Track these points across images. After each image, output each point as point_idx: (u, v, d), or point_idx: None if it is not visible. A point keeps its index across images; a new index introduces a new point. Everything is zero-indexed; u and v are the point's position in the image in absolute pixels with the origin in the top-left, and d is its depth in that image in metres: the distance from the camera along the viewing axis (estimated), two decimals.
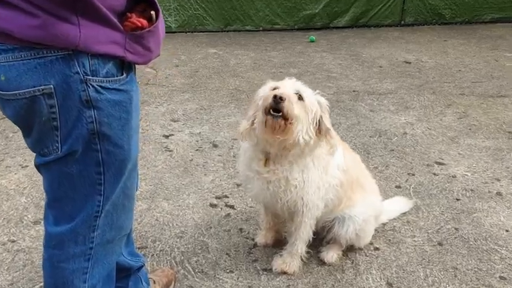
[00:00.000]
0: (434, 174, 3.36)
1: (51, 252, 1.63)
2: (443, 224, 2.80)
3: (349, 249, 2.56)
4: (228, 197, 3.10)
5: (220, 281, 2.38)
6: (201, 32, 7.88)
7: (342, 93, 4.94)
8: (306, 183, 2.21)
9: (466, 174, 3.35)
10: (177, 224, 2.83)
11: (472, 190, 3.15)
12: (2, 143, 3.80)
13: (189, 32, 7.87)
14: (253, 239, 2.69)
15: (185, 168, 3.48)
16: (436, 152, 3.68)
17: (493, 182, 3.25)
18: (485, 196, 3.08)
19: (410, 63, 6.08)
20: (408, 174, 3.36)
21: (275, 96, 2.00)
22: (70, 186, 1.52)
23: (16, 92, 1.35)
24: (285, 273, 2.42)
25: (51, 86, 1.35)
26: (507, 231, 2.73)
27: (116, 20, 1.37)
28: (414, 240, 2.66)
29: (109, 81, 1.41)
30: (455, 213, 2.90)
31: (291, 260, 2.43)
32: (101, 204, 1.56)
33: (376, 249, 2.60)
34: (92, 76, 1.37)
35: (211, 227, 2.80)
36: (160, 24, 1.50)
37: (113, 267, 1.74)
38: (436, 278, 2.38)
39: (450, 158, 3.58)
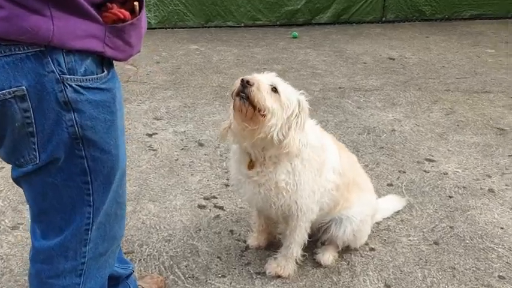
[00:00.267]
0: (425, 171, 3.31)
1: (39, 267, 1.48)
2: (438, 223, 2.74)
3: (345, 250, 2.48)
4: (216, 198, 3.00)
5: (212, 286, 2.28)
6: (181, 28, 7.73)
7: (328, 90, 4.87)
8: (298, 186, 2.12)
9: (457, 171, 3.31)
10: (164, 227, 2.71)
11: (464, 187, 3.11)
12: None
13: (169, 28, 7.71)
14: (244, 241, 2.59)
15: (170, 168, 3.36)
16: (426, 148, 3.64)
17: (484, 179, 3.22)
18: (477, 193, 3.05)
19: (394, 59, 6.05)
20: (399, 171, 3.30)
21: (242, 80, 1.93)
22: (56, 197, 1.38)
23: None
24: (279, 276, 2.33)
25: (23, 87, 1.19)
26: (502, 228, 2.70)
27: (94, 11, 1.22)
28: (410, 240, 2.60)
29: (89, 79, 1.26)
30: (449, 211, 2.86)
31: (285, 263, 2.34)
32: (91, 215, 1.43)
33: (372, 249, 2.53)
34: (69, 75, 1.23)
35: (200, 230, 2.69)
36: (143, 17, 1.37)
37: (105, 281, 1.62)
38: (435, 279, 2.32)
39: (440, 155, 3.54)
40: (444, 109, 4.41)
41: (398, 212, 2.81)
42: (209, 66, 5.76)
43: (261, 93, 1.93)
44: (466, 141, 3.76)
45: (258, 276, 2.34)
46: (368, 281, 2.31)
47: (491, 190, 3.08)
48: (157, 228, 2.70)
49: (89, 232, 1.44)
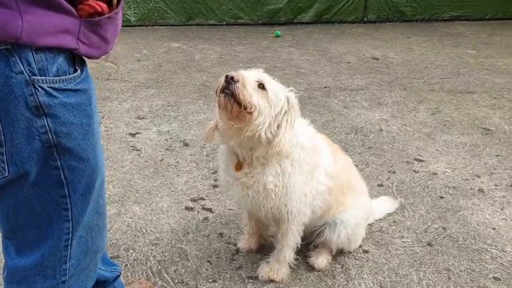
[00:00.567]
0: (415, 171, 3.28)
1: None
2: (431, 223, 2.71)
3: (338, 253, 2.42)
4: (204, 200, 2.90)
5: None
6: (162, 25, 7.59)
7: (314, 90, 4.82)
8: (288, 188, 2.04)
9: (446, 171, 3.29)
10: (151, 230, 2.61)
11: (454, 187, 3.09)
12: None
13: (149, 25, 7.57)
14: (235, 245, 2.50)
15: (155, 168, 3.25)
16: (414, 148, 3.62)
17: (473, 179, 3.20)
18: (468, 193, 3.03)
19: (377, 59, 6.04)
20: (389, 172, 3.27)
21: (227, 76, 1.85)
22: (30, 213, 1.24)
23: None
24: (272, 281, 2.25)
25: None
26: (494, 229, 2.68)
27: (67, 3, 1.09)
28: (403, 241, 2.56)
29: (62, 80, 1.14)
30: (440, 211, 2.83)
31: (278, 267, 2.26)
32: (70, 230, 1.29)
33: (366, 251, 2.48)
34: (40, 76, 1.10)
35: (188, 233, 2.60)
36: (121, 11, 1.26)
37: None
38: (430, 281, 2.27)
39: (428, 155, 3.52)
40: (430, 109, 4.40)
41: (390, 213, 2.77)
42: (192, 64, 5.65)
43: (247, 89, 1.84)
44: (453, 141, 3.75)
45: (251, 281, 2.26)
46: (363, 284, 2.25)
47: (481, 190, 3.07)
48: (144, 231, 2.60)
49: (69, 248, 1.31)
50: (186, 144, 3.61)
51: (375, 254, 2.46)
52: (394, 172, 3.26)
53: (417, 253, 2.47)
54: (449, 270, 2.35)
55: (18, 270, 1.32)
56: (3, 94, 1.08)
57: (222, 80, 1.87)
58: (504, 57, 6.19)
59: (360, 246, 2.47)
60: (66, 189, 1.24)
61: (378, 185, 3.09)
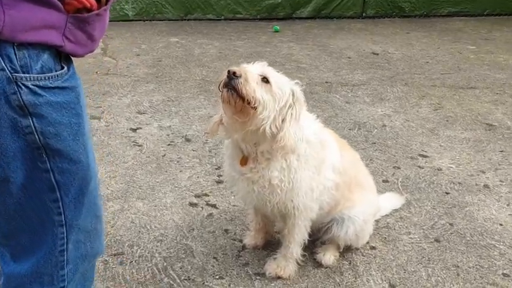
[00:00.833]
0: (420, 167, 3.26)
1: None
2: (437, 219, 2.69)
3: (345, 250, 2.39)
4: (208, 196, 2.87)
5: None
6: (159, 20, 7.53)
7: (315, 85, 4.79)
8: (294, 184, 2.01)
9: (450, 167, 3.27)
10: (155, 226, 2.57)
11: (459, 183, 3.07)
12: None
13: (147, 20, 7.50)
14: (240, 241, 2.47)
15: (158, 164, 3.21)
16: (418, 144, 3.59)
17: (478, 175, 3.18)
18: (473, 189, 3.01)
19: (378, 54, 6.01)
20: (394, 167, 3.24)
21: (229, 72, 1.81)
22: (22, 219, 1.18)
23: None
24: (279, 277, 2.22)
25: None
26: (501, 225, 2.66)
27: None
28: (410, 238, 2.53)
29: (47, 78, 1.07)
30: (447, 207, 2.80)
31: (285, 263, 2.23)
32: (65, 235, 1.23)
33: (373, 248, 2.45)
34: (23, 73, 1.03)
35: (193, 229, 2.56)
36: (109, 9, 1.19)
37: None
38: (439, 278, 2.25)
39: (433, 150, 3.50)
40: (432, 104, 4.38)
41: (396, 209, 2.74)
42: (191, 59, 5.60)
43: (250, 84, 1.81)
44: (456, 137, 3.73)
45: (258, 278, 2.23)
46: (372, 281, 2.23)
47: (486, 186, 3.05)
48: (148, 227, 2.56)
49: (65, 253, 1.26)
50: (188, 140, 3.57)
51: (383, 251, 2.43)
52: (398, 168, 3.24)
53: (425, 249, 2.44)
54: (458, 266, 2.33)
55: (15, 277, 1.26)
56: None
57: (224, 75, 1.84)
58: (504, 53, 6.18)
59: (367, 242, 2.45)
60: (57, 193, 1.18)
61: (383, 181, 3.07)
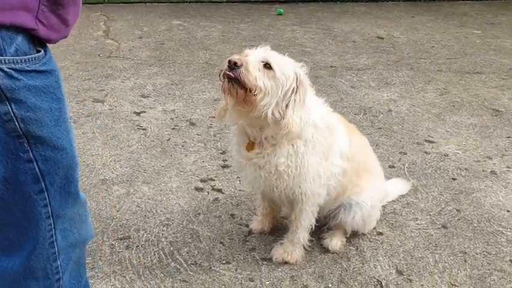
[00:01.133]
0: (426, 152, 3.24)
1: None
2: (444, 206, 2.68)
3: (352, 235, 2.38)
4: (214, 180, 2.85)
5: (217, 273, 2.15)
6: (161, 2, 7.42)
7: (320, 69, 4.74)
8: (301, 169, 1.99)
9: (457, 153, 3.25)
10: (161, 211, 2.56)
11: (466, 169, 3.05)
12: None
13: (148, 2, 7.39)
14: (247, 226, 2.47)
15: (163, 148, 3.19)
16: (424, 129, 3.57)
17: (485, 161, 3.16)
18: (480, 175, 2.99)
19: (383, 38, 5.95)
20: (400, 153, 3.22)
21: (229, 61, 1.79)
22: (6, 213, 1.14)
23: None
24: (286, 263, 2.22)
25: None
26: (508, 211, 2.64)
27: None
28: (417, 224, 2.52)
29: (24, 61, 1.02)
30: (453, 193, 2.79)
31: (292, 248, 2.23)
32: (53, 227, 1.19)
33: (380, 234, 2.44)
34: None
35: (199, 213, 2.55)
36: None
37: (86, 280, 1.44)
38: (447, 264, 2.25)
39: (439, 136, 3.47)
40: (438, 89, 4.34)
41: (403, 194, 2.73)
42: (194, 42, 5.54)
43: (250, 72, 1.79)
44: (463, 122, 3.70)
45: (265, 263, 2.23)
46: (379, 266, 2.23)
47: (493, 172, 3.03)
48: (154, 212, 2.55)
49: (55, 245, 1.22)
50: (192, 124, 3.54)
51: (390, 236, 2.42)
52: (405, 153, 3.22)
53: (432, 235, 2.44)
54: (465, 253, 2.32)
55: (8, 274, 1.23)
56: None
57: (225, 65, 1.82)
58: (510, 38, 6.11)
59: (374, 228, 2.44)
60: (42, 183, 1.13)
61: (390, 166, 3.05)
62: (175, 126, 3.50)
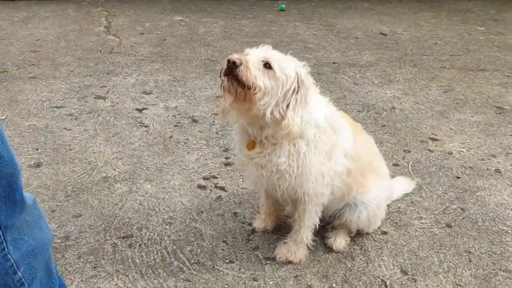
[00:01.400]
0: (430, 150, 3.22)
1: None
2: (449, 204, 2.66)
3: (356, 235, 2.36)
4: (216, 178, 2.83)
5: (221, 272, 2.14)
6: None
7: (322, 65, 4.71)
8: (303, 169, 1.97)
9: (461, 151, 3.23)
10: (164, 209, 2.54)
11: (470, 167, 3.03)
12: None
13: None
14: (250, 224, 2.45)
15: (165, 145, 3.17)
16: (428, 127, 3.54)
17: (489, 159, 3.14)
18: (484, 173, 2.97)
19: (386, 35, 5.91)
20: (404, 151, 3.20)
21: (228, 61, 1.78)
22: None
23: None
24: (290, 262, 2.20)
25: None
26: None
27: None
28: (422, 223, 2.50)
29: None
30: (458, 192, 2.77)
31: (296, 248, 2.21)
32: (3, 239, 1.14)
33: (384, 233, 2.42)
34: None
35: (202, 212, 2.53)
36: None
37: (60, 283, 1.40)
38: (451, 264, 2.23)
39: (443, 134, 3.45)
40: (442, 86, 4.32)
41: (407, 193, 2.71)
42: (196, 38, 5.51)
43: (250, 72, 1.78)
44: (467, 120, 3.68)
45: (268, 262, 2.21)
46: (383, 266, 2.21)
47: (497, 170, 3.01)
48: (157, 210, 2.53)
49: (10, 257, 1.17)
50: (194, 121, 3.52)
51: (394, 236, 2.41)
52: (409, 151, 3.20)
53: (436, 235, 2.42)
54: (470, 252, 2.31)
55: None
56: None
57: (224, 64, 1.80)
58: None
59: (379, 227, 2.42)
60: None
61: (394, 165, 3.03)
62: (177, 123, 3.48)
